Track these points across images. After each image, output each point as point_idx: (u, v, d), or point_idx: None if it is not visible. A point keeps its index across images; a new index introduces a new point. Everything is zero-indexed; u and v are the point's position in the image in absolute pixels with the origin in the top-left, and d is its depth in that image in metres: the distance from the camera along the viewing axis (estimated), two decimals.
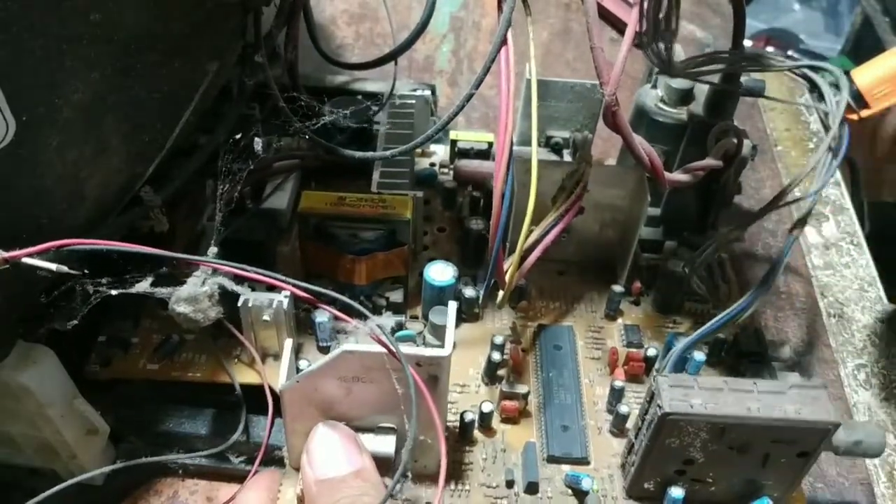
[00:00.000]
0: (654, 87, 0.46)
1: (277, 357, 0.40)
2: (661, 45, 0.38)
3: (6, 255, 0.27)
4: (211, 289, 0.36)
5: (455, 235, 0.49)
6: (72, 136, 0.30)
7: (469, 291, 0.43)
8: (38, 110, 0.28)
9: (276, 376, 0.35)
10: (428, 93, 0.53)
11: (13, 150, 0.27)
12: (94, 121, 0.30)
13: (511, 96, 0.35)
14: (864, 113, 0.63)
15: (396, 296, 0.44)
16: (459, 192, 0.51)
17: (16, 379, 0.32)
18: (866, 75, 0.62)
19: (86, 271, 0.31)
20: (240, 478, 0.40)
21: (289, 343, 0.34)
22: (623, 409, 0.38)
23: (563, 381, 0.41)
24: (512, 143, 0.36)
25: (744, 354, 0.41)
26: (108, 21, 0.29)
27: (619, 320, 0.45)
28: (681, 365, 0.40)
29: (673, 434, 0.33)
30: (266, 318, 0.39)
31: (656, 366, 0.41)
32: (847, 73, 0.62)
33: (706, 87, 0.43)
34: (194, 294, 0.36)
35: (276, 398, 0.36)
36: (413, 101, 0.51)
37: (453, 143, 0.53)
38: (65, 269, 0.28)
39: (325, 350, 0.42)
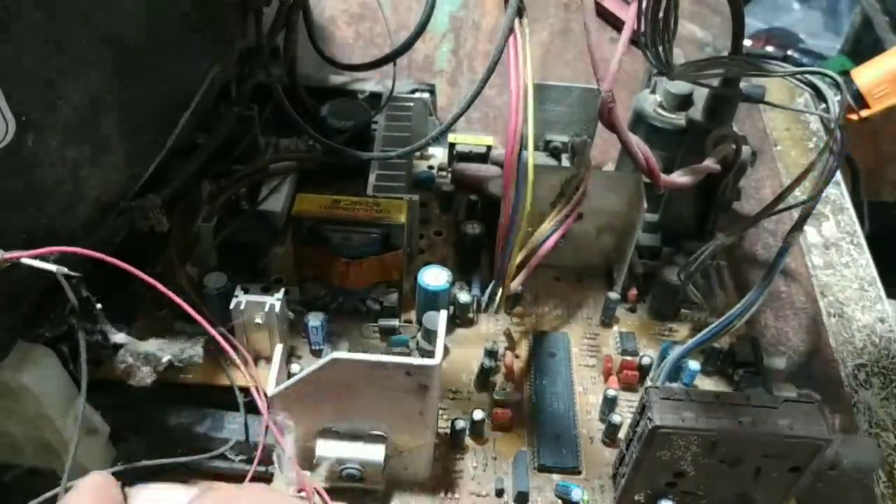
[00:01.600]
0: (653, 92, 0.45)
1: (270, 360, 0.40)
2: (661, 47, 0.37)
3: (6, 255, 0.27)
4: (171, 357, 0.37)
5: (451, 239, 0.49)
6: (71, 136, 0.30)
7: (464, 296, 0.43)
8: (37, 110, 0.28)
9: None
10: (426, 95, 0.53)
11: (13, 149, 0.27)
12: (93, 121, 0.30)
13: (521, 93, 0.35)
14: (865, 113, 0.63)
15: (391, 300, 0.43)
16: (457, 195, 0.50)
17: (16, 379, 0.32)
18: (866, 75, 0.62)
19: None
20: (239, 477, 0.40)
21: (279, 349, 0.34)
22: (615, 418, 0.38)
23: (557, 389, 0.41)
24: (522, 143, 0.35)
25: (739, 364, 0.41)
26: (108, 21, 0.29)
27: (615, 327, 0.45)
28: (675, 374, 0.40)
29: (664, 447, 0.32)
30: (258, 320, 0.39)
31: (650, 374, 0.41)
32: (847, 73, 0.62)
33: (705, 93, 0.43)
34: (152, 354, 0.36)
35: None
36: (411, 104, 0.51)
37: (452, 146, 0.52)
38: (65, 270, 0.28)
39: (318, 353, 0.42)
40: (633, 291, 0.45)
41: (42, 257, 0.28)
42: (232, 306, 0.39)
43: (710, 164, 0.42)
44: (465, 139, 0.52)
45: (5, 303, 0.31)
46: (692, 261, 0.42)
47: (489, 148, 0.52)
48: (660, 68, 0.38)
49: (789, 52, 0.98)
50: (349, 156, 0.46)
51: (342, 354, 0.32)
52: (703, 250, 0.42)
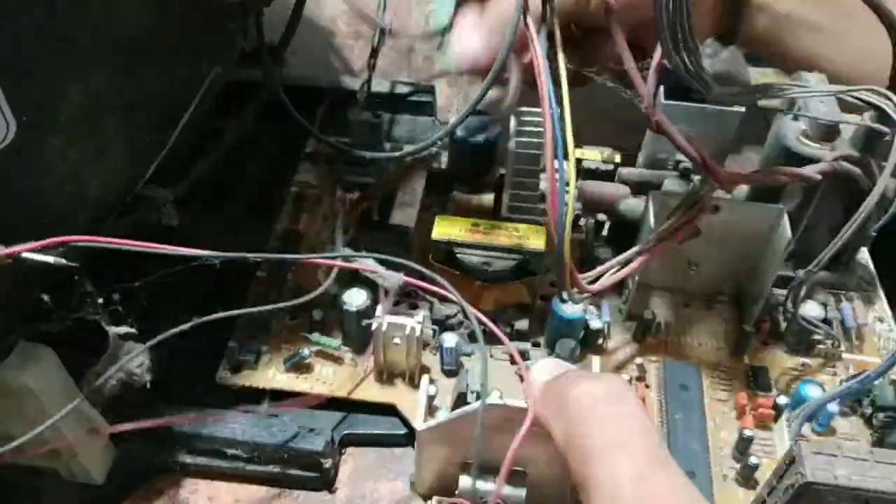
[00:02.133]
0: (796, 119, 0.44)
1: (403, 376, 0.41)
2: (689, 61, 0.35)
3: (7, 250, 0.27)
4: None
5: (576, 259, 0.46)
6: (73, 136, 0.30)
7: (595, 322, 0.42)
8: (38, 111, 0.28)
9: (403, 396, 0.40)
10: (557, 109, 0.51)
11: (14, 150, 0.27)
12: (94, 121, 0.31)
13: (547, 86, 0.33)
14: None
15: (521, 324, 0.43)
16: (585, 214, 0.49)
17: (17, 378, 0.33)
18: None
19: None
20: (240, 477, 0.40)
21: (425, 381, 0.36)
22: (753, 460, 0.38)
23: (690, 425, 0.40)
24: (555, 135, 0.34)
25: (880, 408, 0.40)
26: (109, 22, 0.29)
27: (746, 360, 0.44)
28: (811, 414, 0.40)
29: (813, 501, 0.32)
30: (397, 341, 0.39)
31: (785, 415, 0.41)
32: None
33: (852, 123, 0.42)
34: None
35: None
36: (540, 118, 0.49)
37: (578, 161, 0.50)
38: (63, 261, 0.28)
39: (449, 373, 0.42)
40: (766, 324, 0.45)
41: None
42: (374, 327, 0.39)
43: (804, 171, 0.40)
44: (592, 155, 0.50)
45: (6, 301, 0.31)
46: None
47: (616, 165, 0.50)
48: (699, 87, 0.36)
49: None
50: (358, 155, 0.47)
51: (497, 401, 0.32)
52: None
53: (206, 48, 0.37)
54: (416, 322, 0.39)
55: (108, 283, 0.34)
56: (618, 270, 0.40)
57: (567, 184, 0.34)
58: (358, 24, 0.70)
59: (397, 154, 0.45)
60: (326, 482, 0.40)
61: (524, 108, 0.45)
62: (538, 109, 0.45)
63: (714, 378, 0.43)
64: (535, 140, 0.45)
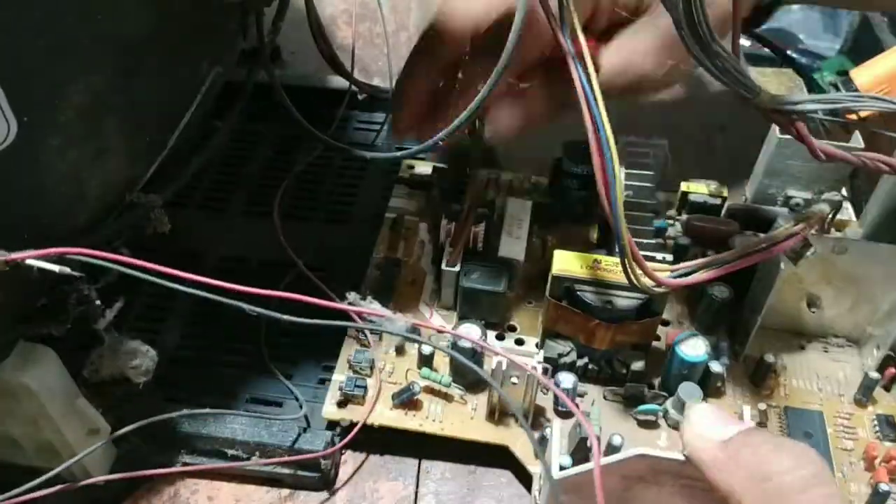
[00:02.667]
0: None
1: (515, 417, 0.40)
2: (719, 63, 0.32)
3: (10, 256, 0.27)
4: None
5: (684, 295, 0.46)
6: (73, 136, 0.30)
7: (716, 366, 0.41)
8: (39, 111, 0.28)
9: (516, 437, 0.40)
10: (664, 141, 0.48)
11: (14, 150, 0.27)
12: (95, 122, 0.31)
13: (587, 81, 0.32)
14: (864, 113, 0.63)
15: (638, 365, 0.42)
16: (692, 250, 0.47)
17: (17, 378, 0.33)
18: (866, 75, 0.62)
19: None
20: (240, 477, 0.40)
21: (556, 427, 0.33)
22: None
23: None
24: (600, 129, 0.32)
25: None
26: (110, 22, 0.29)
27: (870, 408, 0.42)
28: None
29: None
30: (515, 380, 0.38)
31: None
32: (846, 73, 0.62)
33: None
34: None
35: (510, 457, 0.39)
36: (649, 150, 0.48)
37: (684, 194, 0.49)
38: (67, 270, 0.28)
39: (563, 414, 0.41)
40: (892, 370, 0.43)
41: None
42: (493, 365, 0.38)
43: None
44: (698, 188, 0.49)
45: (7, 302, 0.31)
46: None
47: (724, 199, 0.49)
48: (746, 94, 0.32)
49: (788, 53, 0.98)
50: (358, 155, 0.46)
51: (650, 451, 0.30)
52: None
53: (206, 48, 0.37)
54: (536, 362, 0.38)
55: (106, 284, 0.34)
56: (711, 269, 0.38)
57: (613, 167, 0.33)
58: (358, 23, 0.70)
59: (399, 154, 0.45)
60: (326, 482, 0.40)
61: (631, 139, 0.44)
62: (645, 140, 0.46)
63: (837, 426, 0.42)
64: (646, 172, 0.44)
